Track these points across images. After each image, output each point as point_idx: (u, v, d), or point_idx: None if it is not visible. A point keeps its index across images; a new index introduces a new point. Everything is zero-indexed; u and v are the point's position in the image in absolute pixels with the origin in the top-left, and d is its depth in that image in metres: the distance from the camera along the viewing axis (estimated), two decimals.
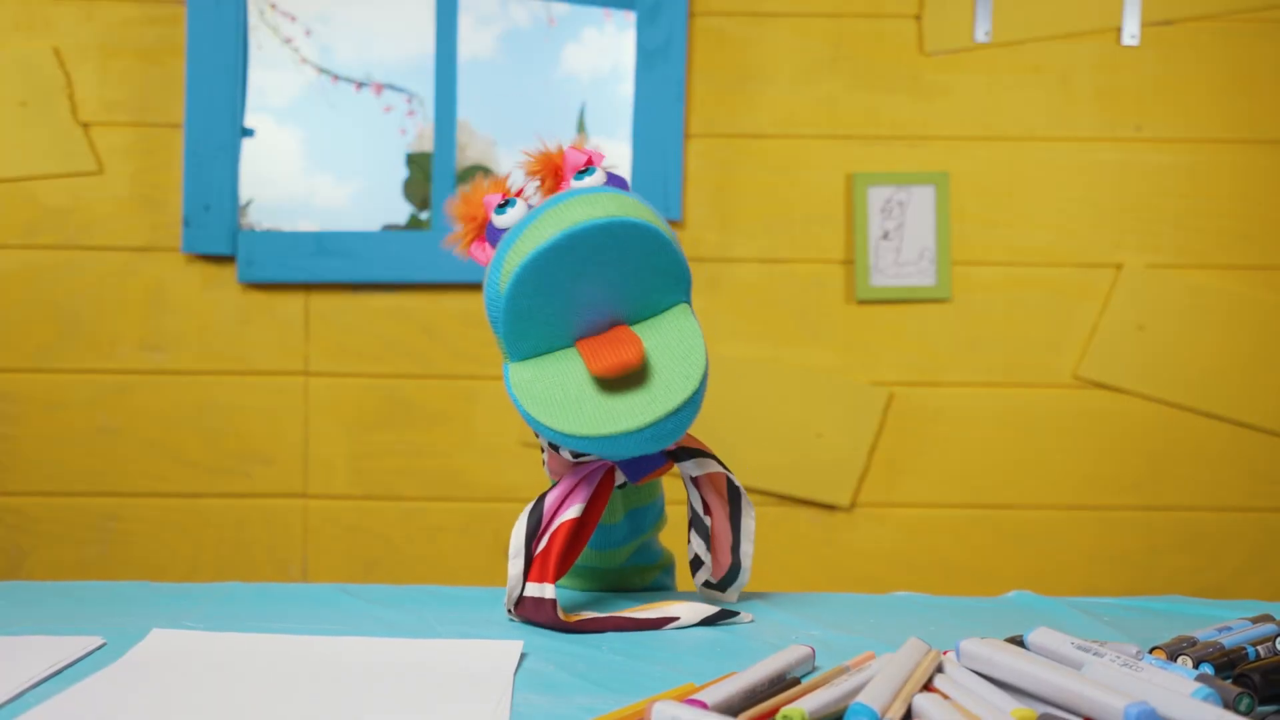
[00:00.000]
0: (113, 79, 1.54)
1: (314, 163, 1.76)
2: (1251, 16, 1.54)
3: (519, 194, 0.64)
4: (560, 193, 0.60)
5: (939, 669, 0.46)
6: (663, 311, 0.61)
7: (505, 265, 0.59)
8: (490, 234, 0.63)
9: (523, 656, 0.54)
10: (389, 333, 1.55)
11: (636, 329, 0.60)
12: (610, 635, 0.59)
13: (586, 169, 0.63)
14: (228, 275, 1.55)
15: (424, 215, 1.73)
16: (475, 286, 1.55)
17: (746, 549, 0.65)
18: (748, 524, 0.65)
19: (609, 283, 0.58)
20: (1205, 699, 0.41)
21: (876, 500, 1.56)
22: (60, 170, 1.54)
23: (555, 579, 0.60)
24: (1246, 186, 1.55)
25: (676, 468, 0.65)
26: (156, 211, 1.55)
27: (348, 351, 1.55)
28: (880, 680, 0.43)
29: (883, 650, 0.53)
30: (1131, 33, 1.54)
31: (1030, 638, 0.49)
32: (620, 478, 0.64)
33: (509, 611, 0.62)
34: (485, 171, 1.76)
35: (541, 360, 0.59)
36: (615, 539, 0.70)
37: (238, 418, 1.55)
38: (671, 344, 0.59)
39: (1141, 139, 1.55)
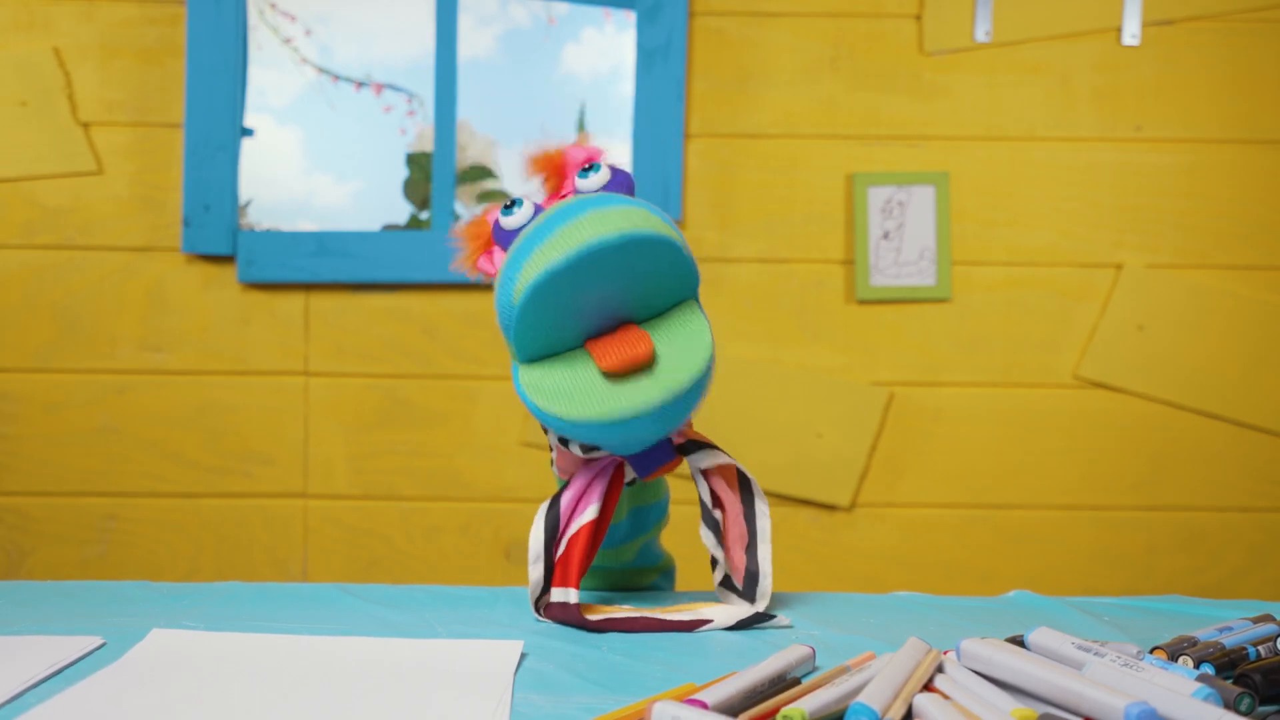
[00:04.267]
0: (113, 79, 1.54)
1: (314, 163, 1.76)
2: (1251, 16, 1.54)
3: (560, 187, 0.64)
4: (570, 203, 0.59)
5: (939, 669, 0.46)
6: (670, 309, 0.61)
7: (518, 280, 0.57)
8: (498, 235, 0.63)
9: (523, 656, 0.54)
10: (389, 333, 1.55)
11: (644, 326, 0.60)
12: (611, 635, 0.59)
13: (590, 166, 0.62)
14: (228, 275, 1.55)
15: (424, 215, 1.73)
16: (475, 287, 1.55)
17: (764, 551, 0.63)
18: (763, 524, 0.64)
19: (619, 291, 0.58)
20: (1206, 699, 0.41)
21: (876, 500, 1.56)
22: (60, 170, 1.54)
23: (578, 583, 0.60)
24: (1246, 186, 1.55)
25: (685, 463, 0.65)
26: (156, 211, 1.55)
27: (348, 351, 1.55)
28: (880, 680, 0.43)
29: (883, 650, 0.53)
30: (1131, 33, 1.54)
31: (1030, 638, 0.49)
32: (630, 474, 0.64)
33: (536, 614, 0.62)
34: (485, 173, 1.76)
35: (551, 360, 0.59)
36: (617, 537, 0.70)
37: (238, 418, 1.55)
38: (678, 335, 0.60)
39: (1141, 139, 1.55)
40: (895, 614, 0.65)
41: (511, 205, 0.62)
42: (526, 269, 0.57)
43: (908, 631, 0.59)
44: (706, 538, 0.65)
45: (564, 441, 0.63)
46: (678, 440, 0.64)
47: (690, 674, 0.51)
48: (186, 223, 1.53)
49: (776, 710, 0.42)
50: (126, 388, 1.54)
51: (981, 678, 0.45)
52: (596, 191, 0.62)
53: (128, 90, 1.54)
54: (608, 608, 0.63)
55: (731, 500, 0.65)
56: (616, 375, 0.57)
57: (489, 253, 0.64)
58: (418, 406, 1.55)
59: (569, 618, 0.60)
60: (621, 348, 0.58)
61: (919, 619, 0.64)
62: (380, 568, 1.55)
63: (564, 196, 0.63)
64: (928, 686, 0.45)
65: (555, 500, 0.63)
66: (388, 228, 1.71)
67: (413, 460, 1.55)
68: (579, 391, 0.58)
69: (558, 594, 0.61)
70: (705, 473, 0.64)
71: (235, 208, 1.53)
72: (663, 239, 0.57)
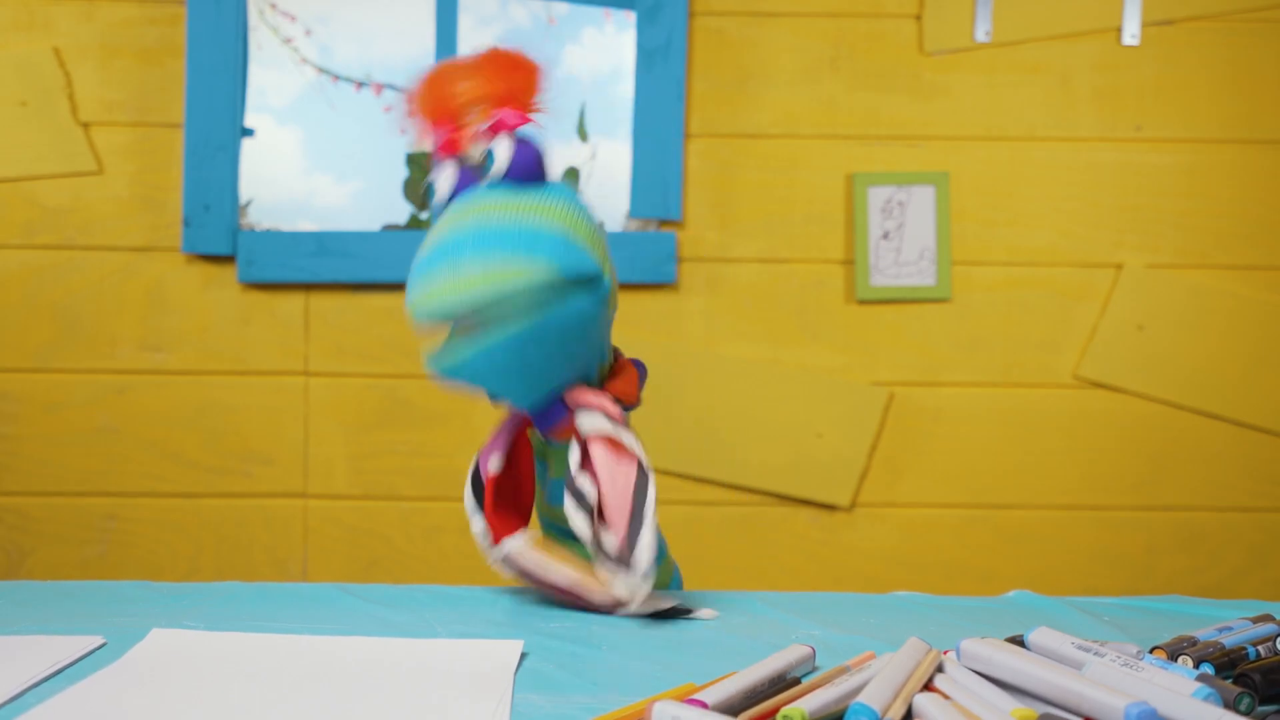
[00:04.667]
0: (113, 79, 1.54)
1: (314, 163, 1.76)
2: (1251, 16, 1.54)
3: (456, 147, 0.66)
4: (437, 248, 0.62)
5: (939, 669, 0.46)
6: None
7: (408, 300, 0.64)
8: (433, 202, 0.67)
9: (523, 656, 0.54)
10: (389, 333, 1.55)
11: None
12: (611, 634, 0.59)
13: (486, 160, 0.64)
14: (228, 275, 1.55)
15: (424, 215, 1.73)
16: None
17: (646, 538, 0.61)
18: (650, 506, 0.62)
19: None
20: (1206, 699, 0.41)
21: (876, 500, 1.56)
22: (60, 170, 1.54)
23: (499, 534, 0.67)
24: (1246, 186, 1.55)
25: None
26: (156, 211, 1.55)
27: (348, 351, 1.55)
28: (880, 680, 0.43)
29: (883, 650, 0.53)
30: (1131, 33, 1.54)
31: (1030, 638, 0.49)
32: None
33: (497, 564, 0.68)
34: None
35: None
36: (562, 492, 0.69)
37: (238, 418, 1.55)
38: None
39: (1141, 139, 1.55)
40: (895, 614, 0.65)
41: (428, 193, 0.67)
42: (410, 298, 0.63)
43: (908, 631, 0.59)
44: (567, 503, 0.63)
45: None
46: (580, 399, 0.66)
47: (690, 674, 0.51)
48: (186, 223, 1.53)
49: (776, 710, 0.42)
50: (126, 388, 1.54)
51: (981, 678, 0.45)
52: (496, 179, 0.64)
53: (128, 90, 1.54)
54: (559, 554, 0.66)
55: (615, 471, 0.63)
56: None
57: (442, 153, 0.66)
58: (418, 406, 1.55)
59: (514, 569, 0.66)
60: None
61: (919, 619, 0.64)
62: (380, 568, 1.55)
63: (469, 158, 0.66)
64: (928, 686, 0.45)
65: (477, 456, 0.69)
66: (388, 228, 1.71)
67: (413, 460, 1.55)
68: (442, 346, 0.65)
69: (498, 548, 0.67)
70: (583, 436, 0.64)
71: (235, 208, 1.53)
72: (504, 294, 0.60)
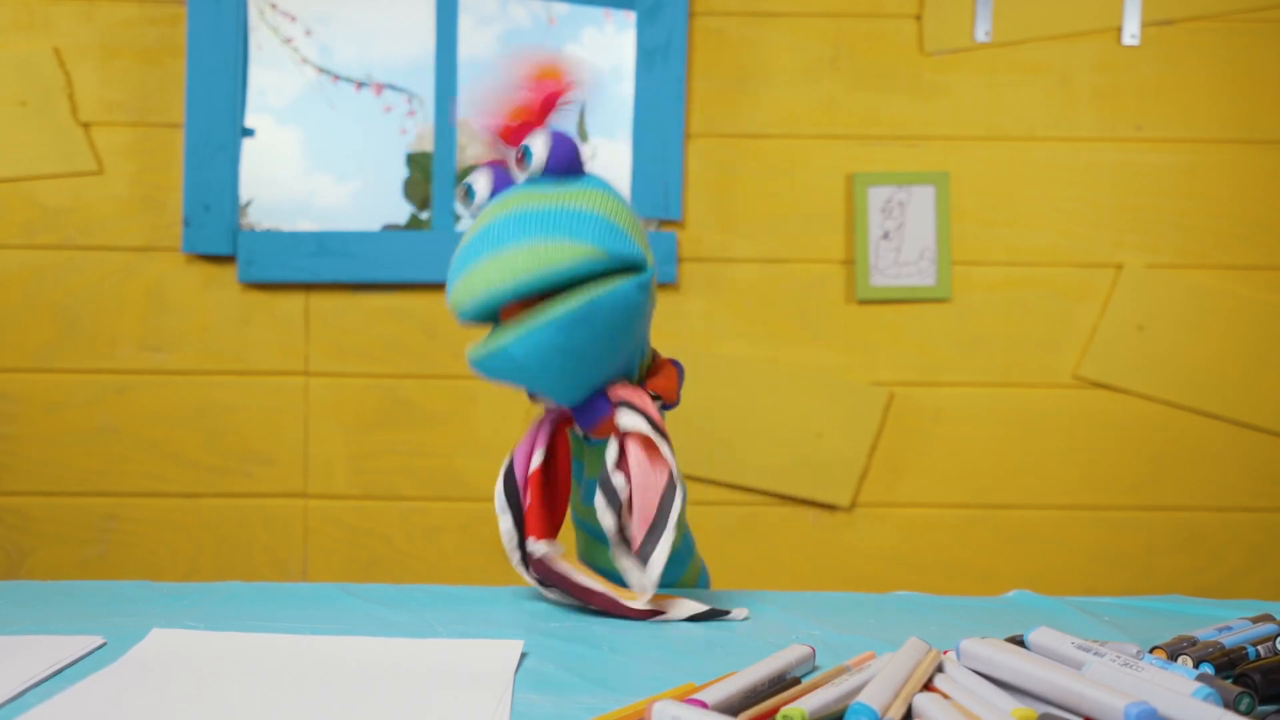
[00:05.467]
0: (113, 79, 1.54)
1: (314, 163, 1.76)
2: (1251, 16, 1.54)
3: (499, 162, 0.67)
4: (481, 233, 0.62)
5: (939, 669, 0.46)
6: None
7: (449, 294, 0.64)
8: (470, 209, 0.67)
9: (523, 656, 0.54)
10: (389, 333, 1.55)
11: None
12: (611, 634, 0.59)
13: (525, 153, 0.64)
14: (228, 275, 1.55)
15: (424, 215, 1.73)
16: None
17: (665, 541, 0.61)
18: (674, 513, 0.62)
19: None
20: (1205, 699, 0.41)
21: (876, 500, 1.56)
22: (60, 170, 1.54)
23: (542, 532, 0.63)
24: (1246, 186, 1.55)
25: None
26: (156, 211, 1.55)
27: (348, 351, 1.55)
28: (880, 680, 0.43)
29: (883, 650, 0.53)
30: (1131, 33, 1.54)
31: (1030, 637, 0.49)
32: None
33: (525, 568, 0.65)
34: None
35: None
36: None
37: (238, 418, 1.55)
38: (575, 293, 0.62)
39: (1141, 139, 1.55)
40: (895, 614, 0.65)
41: (468, 194, 0.66)
42: (452, 292, 0.63)
43: (908, 631, 0.59)
44: (598, 500, 0.63)
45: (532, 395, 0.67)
46: (621, 395, 0.65)
47: (690, 674, 0.51)
48: (186, 223, 1.53)
49: (776, 710, 0.42)
50: (126, 388, 1.54)
51: (981, 677, 0.45)
52: (533, 173, 0.64)
53: (128, 90, 1.54)
54: (585, 570, 0.64)
55: (647, 473, 0.63)
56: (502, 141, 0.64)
57: (504, 138, 0.67)
58: (418, 406, 1.55)
59: (542, 569, 0.63)
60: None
61: (919, 619, 0.64)
62: (380, 568, 1.55)
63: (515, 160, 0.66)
64: (928, 686, 0.45)
65: (512, 454, 0.66)
66: (388, 228, 1.71)
67: (413, 460, 1.55)
68: (484, 337, 0.64)
69: (532, 545, 0.63)
70: (623, 433, 0.64)
71: (235, 208, 1.53)
72: (564, 272, 0.60)
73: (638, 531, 0.62)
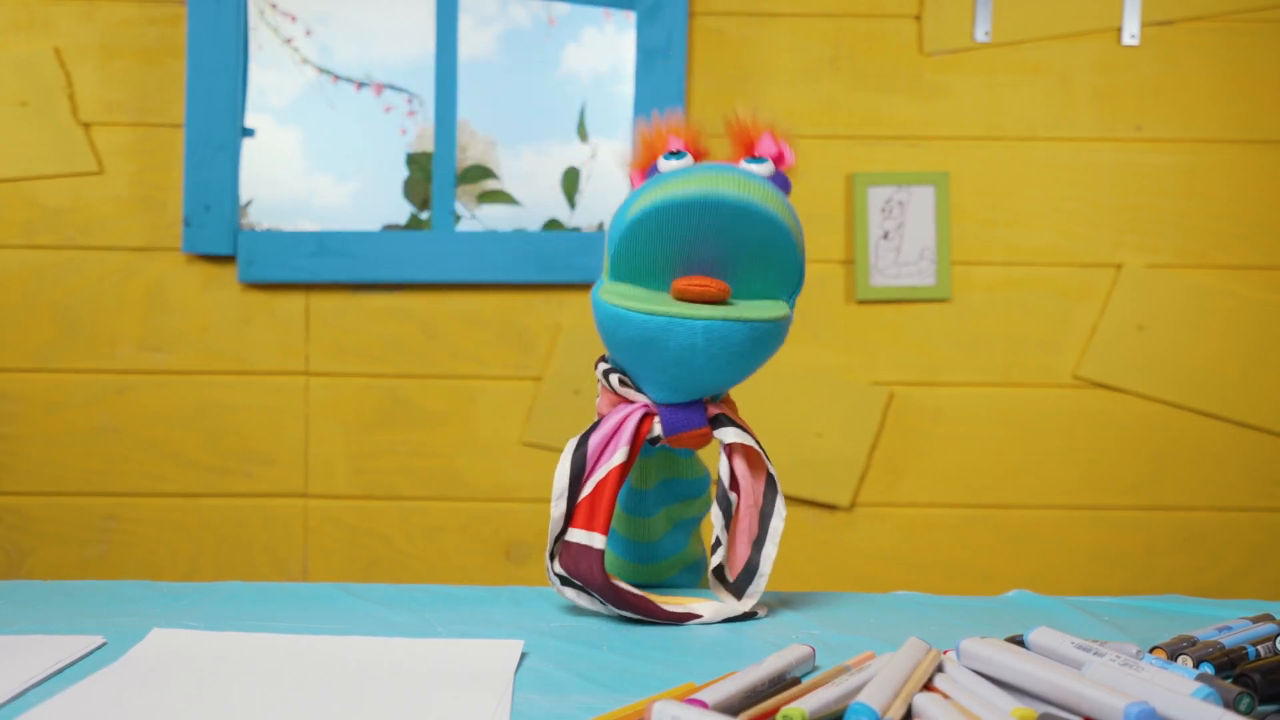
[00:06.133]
0: (113, 79, 1.54)
1: (314, 163, 1.76)
2: (1251, 16, 1.54)
3: (695, 151, 0.66)
4: (724, 164, 0.62)
5: (939, 669, 0.46)
6: (764, 294, 0.63)
7: (641, 198, 0.60)
8: (650, 174, 0.65)
9: (523, 656, 0.54)
10: (389, 333, 1.55)
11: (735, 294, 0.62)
12: (611, 634, 0.59)
13: (760, 158, 0.65)
14: (228, 275, 1.55)
15: (424, 215, 1.73)
16: (475, 286, 1.55)
17: (769, 551, 0.63)
18: (776, 523, 0.64)
19: (724, 254, 0.60)
20: (1205, 699, 0.41)
21: (876, 500, 1.56)
22: (60, 170, 1.54)
23: (605, 528, 0.61)
24: (1246, 186, 1.55)
25: (716, 442, 0.65)
26: (156, 211, 1.55)
27: (348, 351, 1.55)
28: (880, 680, 0.43)
29: (883, 650, 0.53)
30: (1131, 33, 1.54)
31: (1030, 637, 0.49)
32: (657, 429, 0.64)
33: (551, 559, 0.62)
34: (486, 173, 1.76)
35: (634, 286, 0.62)
36: (646, 505, 0.69)
37: (238, 418, 1.55)
38: (759, 302, 0.62)
39: (1141, 139, 1.55)
40: (895, 614, 0.65)
41: (676, 154, 0.64)
42: (653, 193, 0.60)
43: (908, 631, 0.59)
44: (716, 516, 0.64)
45: (607, 375, 0.65)
46: (712, 411, 0.64)
47: (690, 674, 0.51)
48: (187, 223, 1.53)
49: (776, 710, 0.42)
50: (126, 388, 1.54)
51: (981, 677, 0.45)
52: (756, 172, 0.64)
53: (128, 90, 1.54)
54: (614, 577, 0.63)
55: (751, 488, 0.64)
56: (683, 295, 0.60)
57: (644, 171, 0.66)
58: (418, 406, 1.55)
59: (584, 564, 0.60)
60: (697, 279, 0.60)
61: (919, 619, 0.64)
62: (380, 568, 1.55)
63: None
64: (928, 686, 0.45)
65: (584, 439, 0.63)
66: (388, 228, 1.71)
67: (413, 460, 1.55)
68: (644, 297, 0.60)
69: (579, 535, 0.61)
70: (730, 449, 0.64)
71: (235, 208, 1.53)
72: (781, 224, 0.60)
73: (741, 547, 0.64)
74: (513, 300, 1.55)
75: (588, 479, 0.62)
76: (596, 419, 0.66)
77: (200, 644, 0.54)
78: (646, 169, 0.66)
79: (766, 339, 0.61)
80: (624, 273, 0.62)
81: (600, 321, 0.62)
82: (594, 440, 0.63)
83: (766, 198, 0.60)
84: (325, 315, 1.55)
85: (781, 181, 0.66)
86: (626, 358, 0.63)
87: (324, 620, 0.61)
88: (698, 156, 0.66)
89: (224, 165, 1.53)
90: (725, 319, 0.59)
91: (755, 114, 0.68)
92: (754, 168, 0.64)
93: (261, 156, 1.65)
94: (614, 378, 0.65)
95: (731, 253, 0.60)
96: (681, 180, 0.59)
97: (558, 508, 0.62)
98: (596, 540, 0.60)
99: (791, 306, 0.64)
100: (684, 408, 0.64)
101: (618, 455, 0.62)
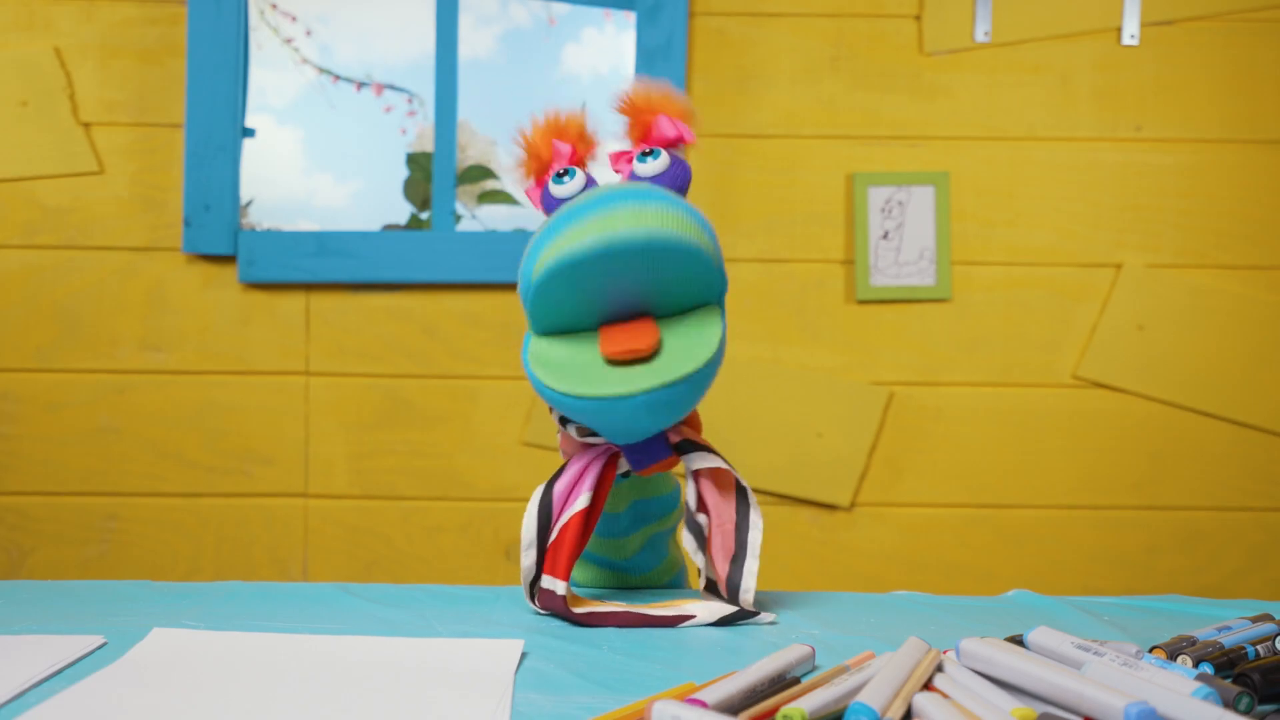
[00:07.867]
0: (113, 79, 1.54)
1: (314, 163, 1.76)
2: (1251, 16, 1.54)
3: (580, 160, 0.65)
4: (612, 191, 0.59)
5: (939, 668, 0.46)
6: (692, 309, 0.62)
7: (540, 257, 0.58)
8: (545, 200, 0.64)
9: (523, 656, 0.54)
10: (389, 333, 1.55)
11: (661, 321, 0.61)
12: (611, 634, 0.59)
13: (650, 152, 0.63)
14: (228, 275, 1.55)
15: (424, 215, 1.73)
16: (475, 286, 1.55)
17: (750, 566, 0.63)
18: (754, 536, 0.63)
19: (640, 286, 0.59)
20: (1205, 698, 0.41)
21: (876, 500, 1.56)
22: (60, 170, 1.54)
23: (567, 573, 0.61)
24: (1246, 186, 1.55)
25: (682, 464, 0.65)
26: (156, 211, 1.55)
27: (348, 351, 1.55)
28: (880, 680, 0.43)
29: (883, 650, 0.53)
30: (1131, 33, 1.54)
31: (1030, 637, 0.49)
32: (624, 465, 0.64)
33: (530, 601, 0.63)
34: (486, 173, 1.76)
35: (562, 337, 0.61)
36: (618, 529, 0.70)
37: (238, 418, 1.55)
38: (689, 333, 0.61)
39: (1141, 139, 1.55)
40: (895, 614, 0.66)
41: (564, 174, 0.63)
42: (551, 248, 0.58)
43: (908, 631, 0.59)
44: (688, 541, 0.65)
45: (564, 422, 0.64)
46: (674, 439, 0.64)
47: (690, 673, 0.51)
48: (187, 223, 1.53)
49: (776, 710, 0.42)
50: (126, 388, 1.54)
51: (981, 677, 0.45)
52: (648, 180, 0.63)
53: (128, 90, 1.54)
54: (594, 601, 0.63)
55: (721, 509, 0.64)
56: (615, 361, 0.58)
57: (539, 186, 0.65)
58: (418, 406, 1.55)
59: (555, 607, 0.61)
60: (626, 337, 0.59)
61: (919, 619, 0.64)
62: (380, 568, 1.55)
63: (620, 173, 0.65)
64: (927, 686, 0.45)
65: (549, 486, 0.63)
66: (388, 228, 1.71)
67: (413, 460, 1.55)
68: (577, 369, 0.59)
69: (546, 581, 0.61)
70: (696, 474, 0.64)
71: (236, 208, 1.53)
72: (689, 247, 0.58)
73: (720, 566, 0.64)
74: (513, 300, 1.55)
75: (554, 524, 0.62)
76: (563, 460, 0.66)
77: (200, 644, 0.54)
78: (541, 183, 0.65)
79: (708, 376, 0.60)
80: (545, 326, 0.61)
81: (537, 389, 0.61)
82: (558, 488, 0.63)
83: (665, 222, 0.57)
84: (325, 315, 1.55)
85: (679, 171, 0.64)
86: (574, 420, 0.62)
87: (324, 620, 0.61)
88: (584, 152, 0.64)
89: (224, 165, 1.53)
90: (664, 384, 0.58)
91: (648, 91, 0.65)
92: (646, 168, 0.63)
93: (262, 156, 1.66)
94: (571, 427, 0.64)
95: (647, 281, 0.58)
96: (577, 229, 0.57)
97: (527, 558, 0.62)
98: (559, 586, 0.60)
99: (722, 305, 0.63)
100: (646, 443, 0.63)
101: (580, 500, 0.62)
